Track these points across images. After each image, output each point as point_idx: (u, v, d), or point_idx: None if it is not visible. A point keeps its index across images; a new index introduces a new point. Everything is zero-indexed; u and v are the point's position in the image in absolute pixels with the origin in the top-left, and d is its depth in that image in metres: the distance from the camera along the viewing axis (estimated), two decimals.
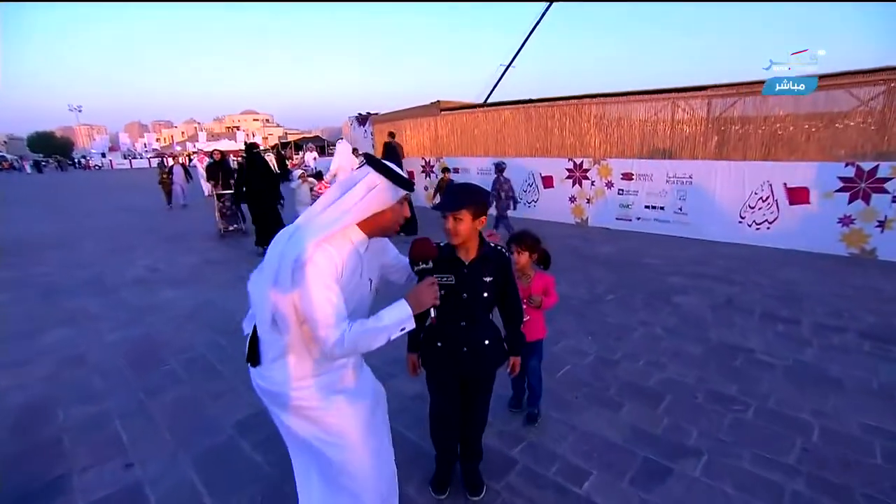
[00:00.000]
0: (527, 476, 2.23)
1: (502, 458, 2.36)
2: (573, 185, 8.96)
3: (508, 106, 10.07)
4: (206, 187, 13.57)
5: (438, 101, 11.55)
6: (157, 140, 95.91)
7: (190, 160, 25.05)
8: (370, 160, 1.46)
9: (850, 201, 6.04)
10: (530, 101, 9.68)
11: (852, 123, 6.07)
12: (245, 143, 8.12)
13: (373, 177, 1.42)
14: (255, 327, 1.52)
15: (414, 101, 20.32)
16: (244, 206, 7.66)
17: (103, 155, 66.52)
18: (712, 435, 2.50)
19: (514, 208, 7.42)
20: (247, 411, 2.78)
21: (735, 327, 3.92)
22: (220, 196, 8.79)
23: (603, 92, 8.60)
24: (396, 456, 1.78)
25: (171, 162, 15.04)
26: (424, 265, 1.58)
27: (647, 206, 7.99)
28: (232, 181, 9.37)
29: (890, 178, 5.73)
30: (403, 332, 1.44)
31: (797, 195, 6.44)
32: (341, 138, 11.55)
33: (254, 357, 1.50)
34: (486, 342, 1.88)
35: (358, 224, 1.45)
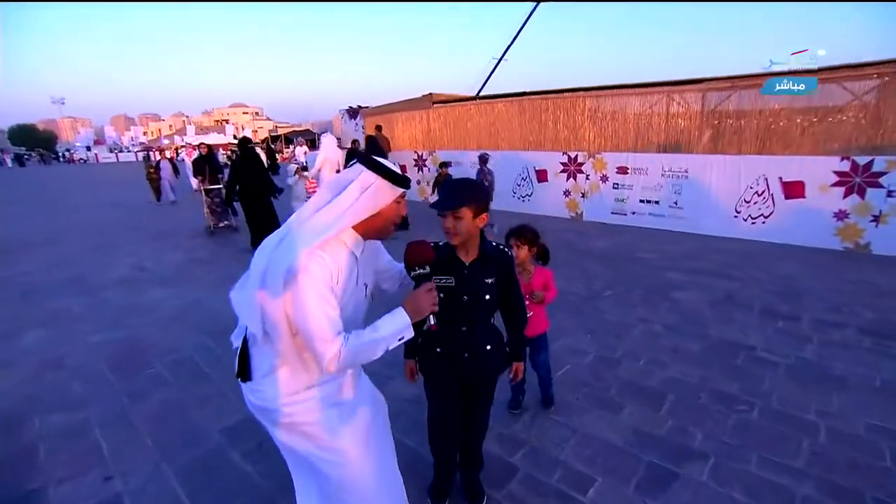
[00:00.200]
0: (529, 484, 2.15)
1: (503, 464, 2.27)
2: (568, 179, 8.89)
3: (502, 99, 9.93)
4: (194, 182, 13.29)
5: (431, 93, 11.38)
6: (145, 133, 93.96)
7: (178, 154, 24.62)
8: (362, 159, 1.36)
9: (845, 196, 6.04)
10: (524, 93, 9.55)
11: (846, 118, 6.05)
12: (238, 138, 7.86)
13: (366, 176, 1.31)
14: (244, 341, 1.42)
15: (405, 94, 20.09)
16: (236, 203, 7.40)
17: (88, 148, 64.89)
18: (717, 437, 2.43)
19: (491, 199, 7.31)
20: (236, 417, 2.66)
21: (735, 324, 3.87)
22: (207, 191, 8.55)
23: (597, 85, 8.52)
24: None
25: (157, 156, 14.69)
26: (421, 270, 1.45)
27: (642, 201, 7.94)
28: (220, 176, 9.07)
29: (885, 173, 5.73)
30: (402, 341, 1.36)
31: (792, 189, 6.42)
32: (326, 131, 11.32)
33: (244, 372, 1.40)
34: (488, 347, 1.78)
35: (353, 226, 1.34)
